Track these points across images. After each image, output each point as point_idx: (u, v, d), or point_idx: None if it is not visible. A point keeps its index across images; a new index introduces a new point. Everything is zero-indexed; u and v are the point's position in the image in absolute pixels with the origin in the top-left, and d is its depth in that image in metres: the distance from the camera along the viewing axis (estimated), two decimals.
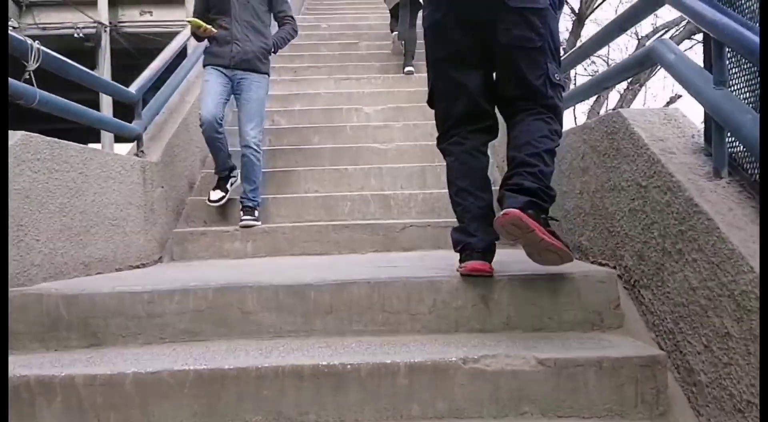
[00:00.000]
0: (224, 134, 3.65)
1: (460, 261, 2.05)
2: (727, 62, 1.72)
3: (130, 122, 3.41)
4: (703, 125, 1.90)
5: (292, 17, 4.01)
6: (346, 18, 7.71)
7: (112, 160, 2.95)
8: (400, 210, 3.83)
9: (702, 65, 1.89)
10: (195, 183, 4.11)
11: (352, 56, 6.20)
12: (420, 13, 4.93)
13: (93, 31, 12.43)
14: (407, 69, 5.84)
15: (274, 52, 3.86)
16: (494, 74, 2.06)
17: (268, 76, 3.82)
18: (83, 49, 12.47)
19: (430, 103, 2.17)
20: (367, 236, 3.50)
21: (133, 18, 12.70)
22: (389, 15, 6.41)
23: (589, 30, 11.66)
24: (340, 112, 5.05)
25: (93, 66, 12.16)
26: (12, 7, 12.60)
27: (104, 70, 12.16)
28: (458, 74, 2.01)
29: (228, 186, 3.77)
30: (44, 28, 13.03)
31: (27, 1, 12.73)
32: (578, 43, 9.27)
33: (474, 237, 2.01)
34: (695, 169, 1.77)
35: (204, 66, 3.75)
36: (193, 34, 3.71)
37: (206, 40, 3.72)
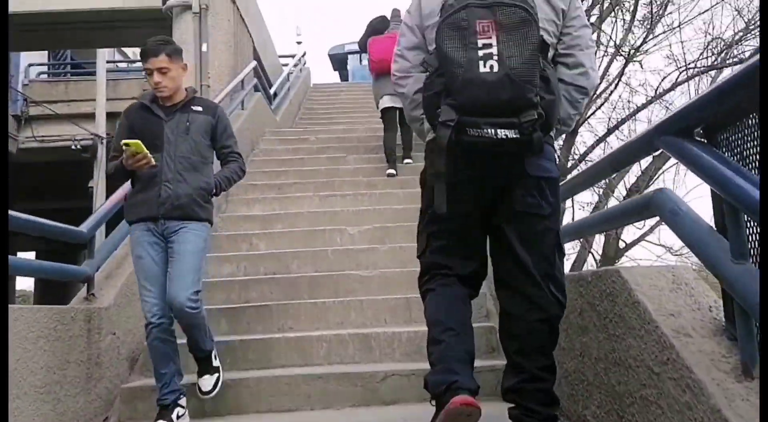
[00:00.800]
0: (176, 338, 2.84)
1: (442, 403, 1.76)
2: (748, 231, 1.39)
3: None
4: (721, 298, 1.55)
5: (239, 154, 3.14)
6: (336, 130, 7.62)
7: (44, 315, 2.60)
8: (383, 351, 3.42)
9: (713, 221, 1.57)
10: None
11: (338, 170, 6.00)
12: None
13: (90, 142, 12.52)
14: (406, 161, 6.12)
15: (216, 195, 3.00)
16: (495, 236, 2.00)
17: (210, 223, 2.96)
18: (81, 159, 12.52)
19: (422, 257, 2.08)
20: (343, 388, 3.07)
21: None
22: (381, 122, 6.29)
23: (584, 139, 11.61)
24: (322, 233, 4.76)
25: (89, 176, 12.18)
26: (12, 121, 12.79)
27: (98, 181, 12.19)
28: (459, 233, 1.98)
29: (174, 418, 2.73)
30: (42, 141, 13.18)
31: (26, 116, 12.94)
32: (570, 155, 9.19)
33: (459, 375, 1.79)
34: (719, 362, 1.41)
35: (128, 223, 2.90)
36: (122, 164, 2.74)
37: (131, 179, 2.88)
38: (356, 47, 15.32)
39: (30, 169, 13.50)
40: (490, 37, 1.72)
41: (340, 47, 16.50)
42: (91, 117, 12.29)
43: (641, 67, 9.12)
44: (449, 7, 1.80)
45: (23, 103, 13.01)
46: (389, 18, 6.39)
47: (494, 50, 1.71)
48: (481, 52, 1.71)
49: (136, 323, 3.50)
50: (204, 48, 7.28)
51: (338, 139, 7.03)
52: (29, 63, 13.15)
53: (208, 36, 7.29)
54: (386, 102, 6.00)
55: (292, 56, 13.05)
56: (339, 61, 16.84)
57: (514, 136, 1.71)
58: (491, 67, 1.70)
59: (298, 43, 16.84)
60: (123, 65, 14.61)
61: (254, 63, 7.64)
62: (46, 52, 14.19)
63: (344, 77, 16.84)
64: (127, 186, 3.06)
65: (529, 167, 1.86)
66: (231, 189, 5.33)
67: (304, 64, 13.48)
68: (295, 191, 5.63)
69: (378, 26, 6.33)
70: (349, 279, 4.10)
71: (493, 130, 1.71)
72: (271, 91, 8.90)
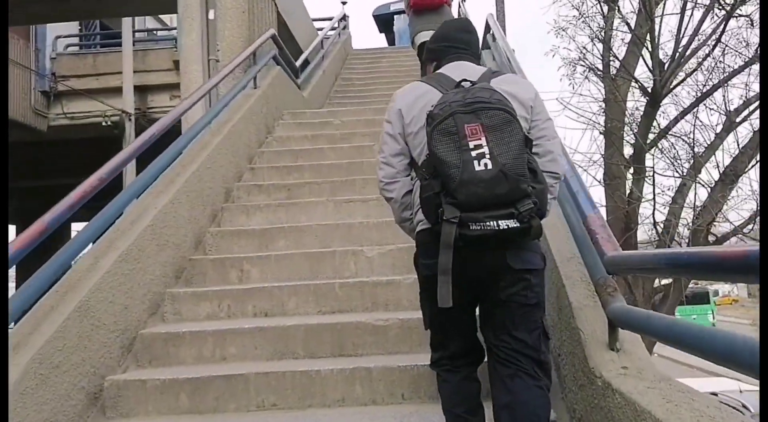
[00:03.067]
0: None
1: None
2: None
3: None
4: None
5: None
6: (367, 110, 6.46)
7: None
8: None
9: None
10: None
11: (363, 165, 4.89)
12: None
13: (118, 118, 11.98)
14: None
15: None
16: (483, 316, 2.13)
17: None
18: (111, 135, 12.01)
19: (427, 329, 2.22)
20: None
21: (162, 103, 12.15)
22: None
23: (669, 112, 9.97)
24: (332, 257, 3.70)
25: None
26: (40, 98, 12.26)
27: None
28: (454, 321, 2.11)
29: None
30: (72, 118, 12.65)
31: (55, 91, 12.36)
32: (652, 128, 7.70)
33: None
34: None
35: None
36: None
37: None
38: (402, 6, 13.90)
39: (62, 145, 13.06)
40: (480, 138, 1.86)
41: (386, 7, 15.11)
42: (120, 91, 11.62)
43: (751, 23, 7.34)
44: (436, 116, 1.92)
45: (51, 78, 12.43)
46: None
47: (486, 150, 1.85)
48: (474, 153, 1.85)
49: None
50: (211, 15, 6.22)
51: (366, 122, 5.89)
52: (57, 35, 12.45)
53: (216, 1, 6.22)
54: (423, 37, 5.48)
55: (330, 19, 11.84)
56: (384, 22, 15.47)
57: (515, 225, 1.85)
58: (485, 165, 1.84)
59: (343, 2, 15.56)
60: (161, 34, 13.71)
61: (271, 31, 6.53)
62: (75, 22, 13.49)
63: (390, 40, 15.49)
64: None
65: (513, 261, 1.96)
66: (233, 191, 4.33)
67: (344, 27, 12.26)
68: (306, 194, 4.57)
69: None
70: (359, 330, 3.05)
71: (494, 222, 1.84)
72: (299, 62, 7.79)
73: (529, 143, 1.96)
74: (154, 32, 14.20)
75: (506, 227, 1.82)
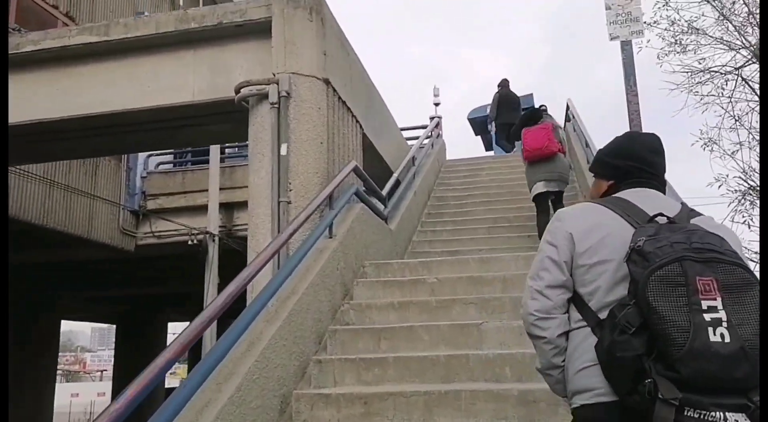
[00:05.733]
0: None
1: None
2: None
3: None
4: None
5: None
6: (469, 263, 5.14)
7: None
8: None
9: None
10: None
11: (468, 362, 3.54)
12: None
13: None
14: None
15: None
16: None
17: None
18: (198, 253, 11.59)
19: None
20: None
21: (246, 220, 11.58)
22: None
23: None
24: None
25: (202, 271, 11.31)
26: (130, 217, 12.08)
27: (210, 278, 11.20)
28: None
29: None
30: (159, 237, 12.37)
31: (144, 210, 12.16)
32: None
33: None
34: None
35: None
36: None
37: None
38: None
39: (150, 260, 12.82)
40: (715, 299, 1.48)
41: (482, 109, 14.17)
42: (206, 209, 11.22)
43: None
44: (652, 255, 1.53)
45: (141, 196, 12.28)
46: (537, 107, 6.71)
47: (722, 315, 1.48)
48: (707, 316, 1.47)
49: None
50: (283, 151, 5.31)
51: (470, 281, 4.58)
52: (149, 154, 12.38)
53: (290, 133, 5.33)
54: (540, 188, 6.25)
55: (423, 127, 10.94)
56: (480, 125, 14.50)
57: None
58: (722, 335, 1.46)
59: (436, 104, 14.81)
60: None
61: (353, 164, 5.53)
62: None
63: (487, 143, 14.43)
64: None
65: None
66: (290, 404, 3.19)
67: (438, 135, 11.31)
68: (390, 412, 3.25)
69: (530, 116, 6.52)
70: None
71: (720, 413, 1.44)
72: (387, 188, 6.74)
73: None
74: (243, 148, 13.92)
75: None
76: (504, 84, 11.69)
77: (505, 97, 11.49)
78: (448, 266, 5.03)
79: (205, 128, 6.34)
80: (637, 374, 1.49)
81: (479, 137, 15.18)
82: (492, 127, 12.69)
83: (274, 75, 5.36)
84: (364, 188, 5.98)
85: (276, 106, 5.32)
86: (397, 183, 7.58)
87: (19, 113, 5.81)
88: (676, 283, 1.49)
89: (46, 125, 6.10)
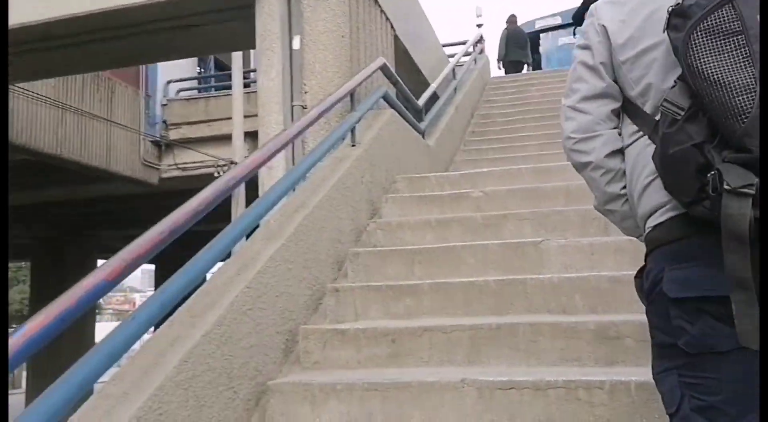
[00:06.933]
0: None
1: None
2: None
3: None
4: None
5: None
6: (523, 174, 4.20)
7: None
8: None
9: None
10: None
11: (526, 287, 2.71)
12: None
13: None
14: None
15: None
16: None
17: None
18: None
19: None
20: None
21: None
22: None
23: None
24: None
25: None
26: (151, 148, 11.47)
27: (238, 214, 10.57)
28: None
29: None
30: (183, 169, 11.77)
31: (166, 140, 11.51)
32: None
33: None
34: None
35: None
36: None
37: None
38: (549, 23, 11.89)
39: (174, 196, 12.31)
40: None
41: (530, 25, 12.84)
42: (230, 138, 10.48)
43: None
44: (693, 9, 1.18)
45: (163, 126, 11.61)
46: None
47: None
48: None
49: None
50: (296, 44, 4.42)
51: (525, 194, 3.69)
52: (168, 79, 11.63)
53: (303, 23, 4.42)
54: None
55: (463, 43, 9.81)
56: (529, 43, 13.19)
57: None
58: None
59: (479, 25, 13.53)
60: None
61: (381, 60, 4.59)
62: (190, 63, 12.68)
63: (536, 63, 13.16)
64: None
65: None
66: (297, 343, 2.50)
67: (481, 51, 10.16)
68: (424, 352, 2.47)
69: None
70: None
71: None
72: (423, 99, 5.81)
73: None
74: None
75: None
76: (512, 20, 11.00)
77: (513, 33, 10.81)
78: (496, 178, 4.13)
79: (212, 29, 5.46)
80: (700, 172, 1.15)
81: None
82: (500, 66, 11.77)
83: None
84: (395, 93, 5.08)
85: None
86: (435, 96, 6.64)
87: None
88: (731, 32, 1.15)
89: (32, 30, 5.34)
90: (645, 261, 1.37)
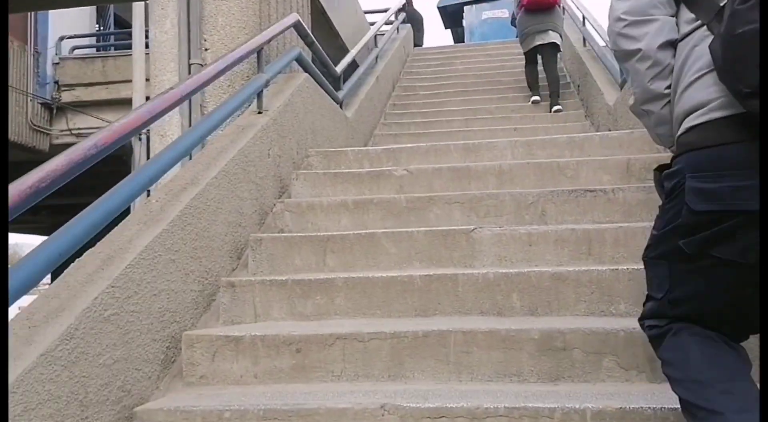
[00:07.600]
0: None
1: None
2: None
3: None
4: None
5: None
6: (450, 150, 3.81)
7: None
8: None
9: None
10: None
11: (457, 285, 2.33)
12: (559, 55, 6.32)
13: None
14: (555, 107, 5.79)
15: None
16: None
17: None
18: (122, 154, 9.98)
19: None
20: None
21: None
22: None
23: None
24: None
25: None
26: (41, 111, 10.27)
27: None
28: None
29: None
30: (78, 135, 10.65)
31: (58, 103, 10.34)
32: None
33: None
34: None
35: None
36: None
37: None
38: None
39: None
40: None
41: None
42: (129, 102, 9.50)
43: None
44: None
45: (54, 87, 10.42)
46: None
47: None
48: None
49: None
50: None
51: (452, 173, 3.30)
52: (60, 35, 10.42)
53: None
54: (535, 40, 6.01)
55: (385, 11, 9.30)
56: (452, 16, 12.84)
57: None
58: None
59: None
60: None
61: (294, 16, 4.03)
62: (87, 19, 11.44)
63: (459, 37, 12.86)
64: None
65: None
66: (179, 354, 1.98)
67: (404, 20, 9.69)
68: (337, 365, 2.04)
69: None
70: None
71: None
72: (341, 66, 5.30)
73: None
74: None
75: None
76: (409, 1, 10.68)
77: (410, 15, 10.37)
78: (421, 155, 3.71)
79: None
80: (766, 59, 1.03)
81: (449, 30, 13.58)
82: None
83: None
84: (311, 57, 4.54)
85: None
86: (355, 65, 6.13)
87: None
88: None
89: None
90: (671, 162, 1.31)
